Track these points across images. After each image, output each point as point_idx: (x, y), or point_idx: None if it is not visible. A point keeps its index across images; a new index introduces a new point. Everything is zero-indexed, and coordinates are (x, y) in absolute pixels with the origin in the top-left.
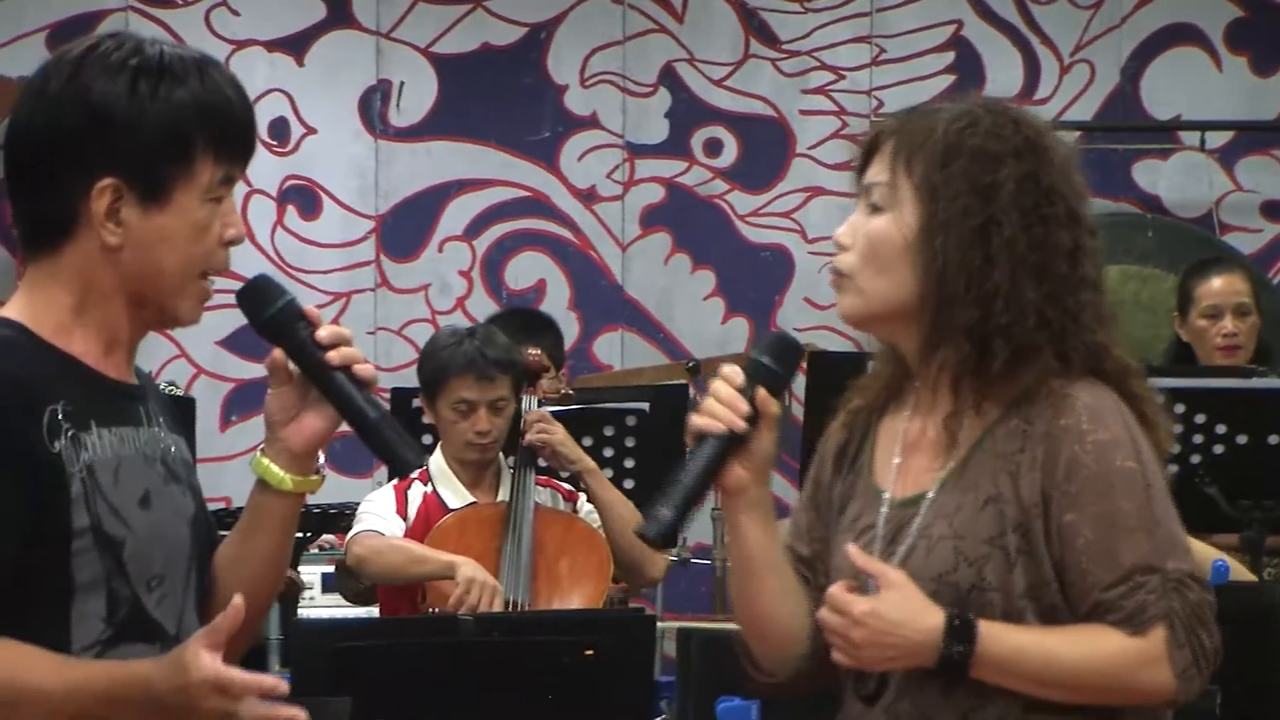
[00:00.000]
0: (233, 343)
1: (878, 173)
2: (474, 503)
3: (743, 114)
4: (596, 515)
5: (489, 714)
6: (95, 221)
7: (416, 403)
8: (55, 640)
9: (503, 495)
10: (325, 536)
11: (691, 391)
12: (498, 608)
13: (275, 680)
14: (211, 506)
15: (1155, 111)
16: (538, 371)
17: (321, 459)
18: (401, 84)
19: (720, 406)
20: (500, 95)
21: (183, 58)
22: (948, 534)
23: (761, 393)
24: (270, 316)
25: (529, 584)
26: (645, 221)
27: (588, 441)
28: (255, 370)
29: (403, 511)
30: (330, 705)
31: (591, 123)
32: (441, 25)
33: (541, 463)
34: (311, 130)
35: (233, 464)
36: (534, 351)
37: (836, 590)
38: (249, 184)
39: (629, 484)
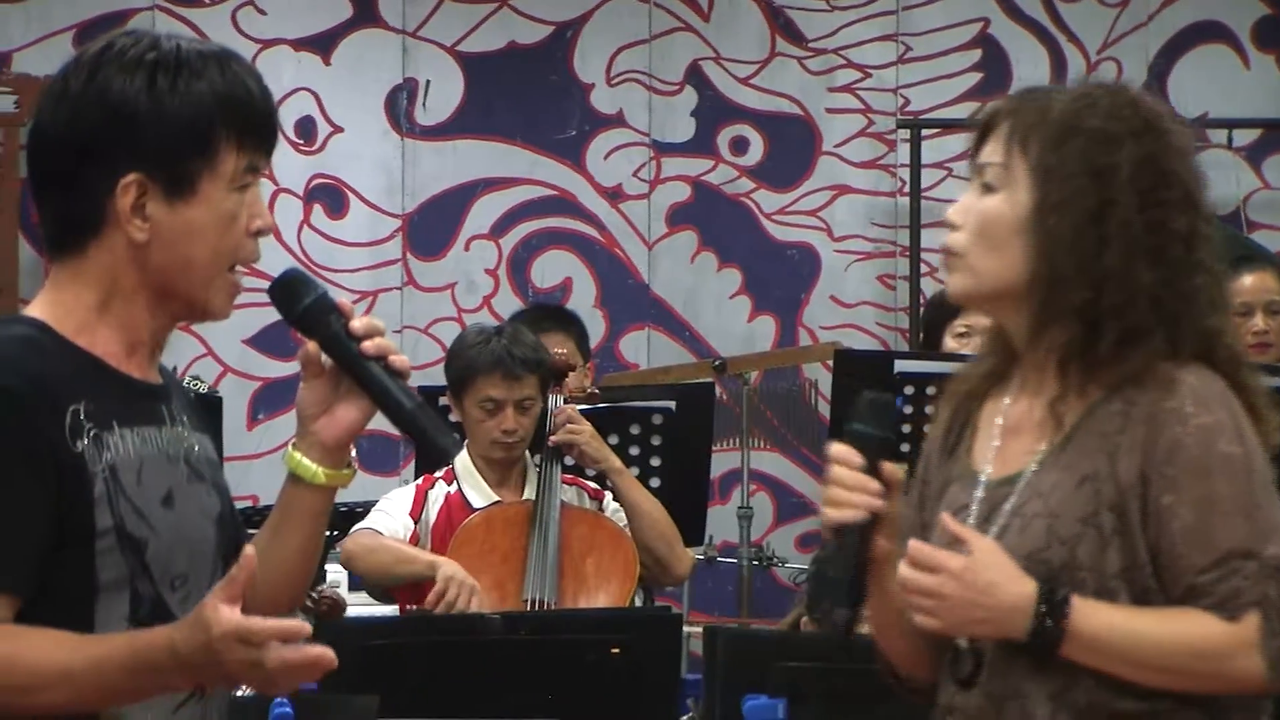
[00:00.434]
0: (260, 341)
1: (992, 153)
2: (498, 501)
3: (769, 112)
4: (623, 514)
5: (515, 712)
6: (122, 219)
7: (443, 401)
8: None
9: (528, 494)
10: None
11: (718, 390)
12: (475, 607)
13: (297, 624)
14: (239, 505)
15: (1182, 109)
16: (564, 370)
17: (353, 453)
18: (428, 83)
19: (853, 494)
20: (526, 94)
21: (200, 51)
22: (1042, 512)
23: (887, 467)
24: (304, 310)
25: (555, 583)
26: (671, 220)
27: (614, 440)
28: (282, 369)
29: (417, 512)
30: (357, 702)
31: (618, 121)
32: (468, 24)
33: (568, 461)
34: (338, 129)
35: (260, 462)
36: (560, 350)
37: (922, 545)
38: (275, 183)
39: (655, 482)
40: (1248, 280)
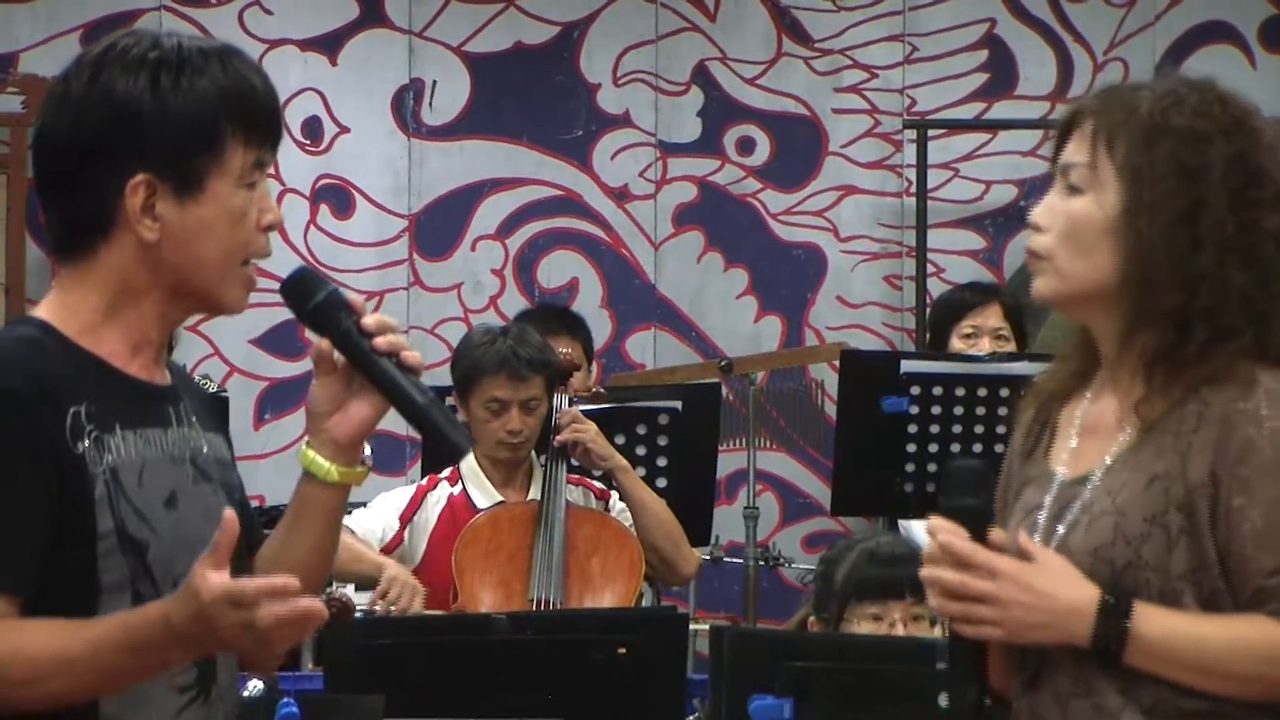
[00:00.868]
0: (267, 341)
1: (1076, 153)
2: (502, 501)
3: (775, 113)
4: (629, 514)
5: (521, 711)
6: (131, 219)
7: (449, 401)
8: None
9: (534, 494)
10: None
11: (724, 390)
12: (418, 608)
13: (285, 579)
14: None
15: None
16: (570, 371)
17: (367, 450)
18: (434, 83)
19: (962, 578)
20: (533, 94)
21: (202, 48)
22: (1110, 509)
23: (994, 535)
24: (314, 307)
25: (561, 582)
26: (678, 220)
27: (620, 440)
28: (289, 368)
29: (409, 514)
30: (364, 702)
31: (624, 121)
32: (474, 24)
33: (574, 461)
34: (344, 129)
35: (266, 462)
36: (566, 350)
37: (977, 549)
38: (282, 183)
39: (661, 482)
40: None
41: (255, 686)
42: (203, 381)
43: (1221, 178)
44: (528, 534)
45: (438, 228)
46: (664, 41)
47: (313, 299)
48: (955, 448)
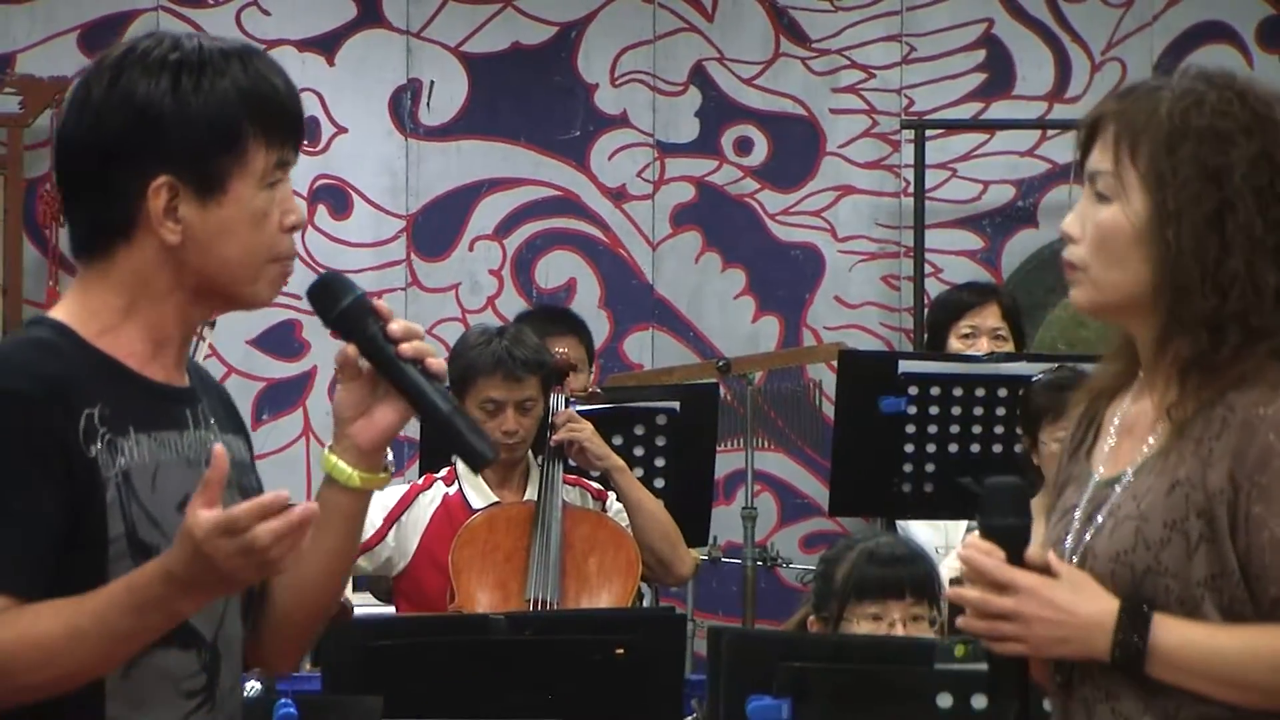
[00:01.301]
0: (264, 342)
1: (1100, 160)
2: (498, 502)
3: (773, 113)
4: (626, 514)
5: (520, 712)
6: (154, 222)
7: None
8: None
9: (530, 494)
10: None
11: (722, 391)
12: None
13: (274, 495)
14: None
15: None
16: (565, 371)
17: (390, 456)
18: (432, 83)
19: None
20: (530, 94)
21: (222, 49)
22: (1133, 514)
23: (1031, 554)
24: (341, 312)
25: (558, 582)
26: (676, 220)
27: (618, 440)
28: (286, 369)
29: (398, 512)
30: (362, 703)
31: (622, 122)
32: (472, 25)
33: (571, 462)
34: (342, 129)
35: (263, 463)
36: (562, 350)
37: (999, 565)
38: None
39: (659, 483)
40: None
41: (253, 688)
42: None
43: (1246, 177)
44: (524, 534)
45: (435, 228)
46: (661, 42)
47: (339, 304)
48: (953, 448)
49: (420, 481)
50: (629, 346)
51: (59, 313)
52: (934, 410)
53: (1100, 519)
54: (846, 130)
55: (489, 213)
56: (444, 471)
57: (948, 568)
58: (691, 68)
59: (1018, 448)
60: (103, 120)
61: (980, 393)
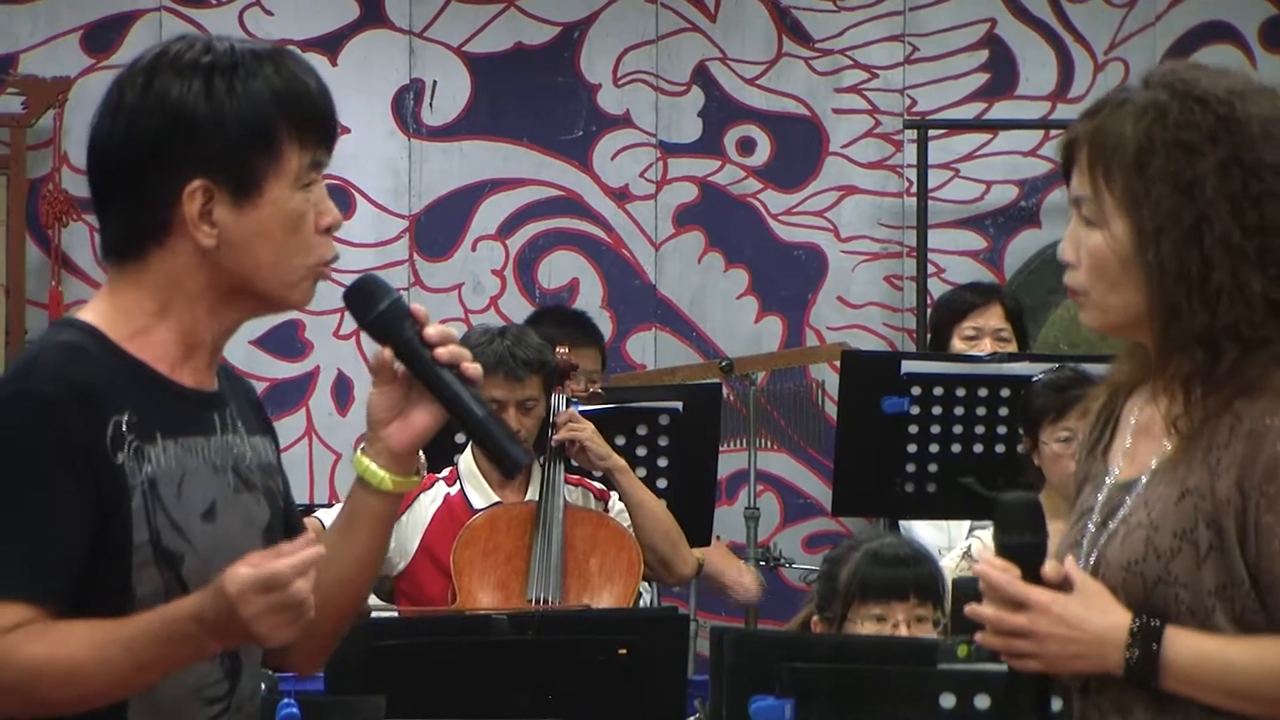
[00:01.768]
0: (267, 342)
1: (1080, 185)
2: (499, 502)
3: (775, 113)
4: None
5: (522, 712)
6: (189, 225)
7: None
8: None
9: (532, 494)
10: None
11: (725, 391)
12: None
13: (314, 551)
14: None
15: None
16: (567, 371)
17: (422, 459)
18: (434, 83)
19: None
20: (533, 95)
21: (254, 50)
22: (1144, 523)
23: (1048, 569)
24: (377, 315)
25: (559, 582)
26: (678, 220)
27: (620, 441)
28: (288, 369)
29: (399, 510)
30: (365, 703)
31: (624, 122)
32: (474, 25)
33: (573, 462)
34: (345, 130)
35: None
36: (563, 350)
37: (1011, 581)
38: None
39: (662, 483)
40: None
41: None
42: None
43: (1217, 186)
44: (526, 534)
45: (438, 228)
46: (664, 42)
47: (376, 307)
48: (956, 448)
49: (424, 481)
50: (632, 347)
51: (89, 314)
52: (937, 410)
53: (1113, 526)
54: (849, 130)
55: (492, 213)
56: (445, 471)
57: (946, 568)
58: (694, 68)
59: (1020, 448)
60: (136, 124)
61: (983, 393)
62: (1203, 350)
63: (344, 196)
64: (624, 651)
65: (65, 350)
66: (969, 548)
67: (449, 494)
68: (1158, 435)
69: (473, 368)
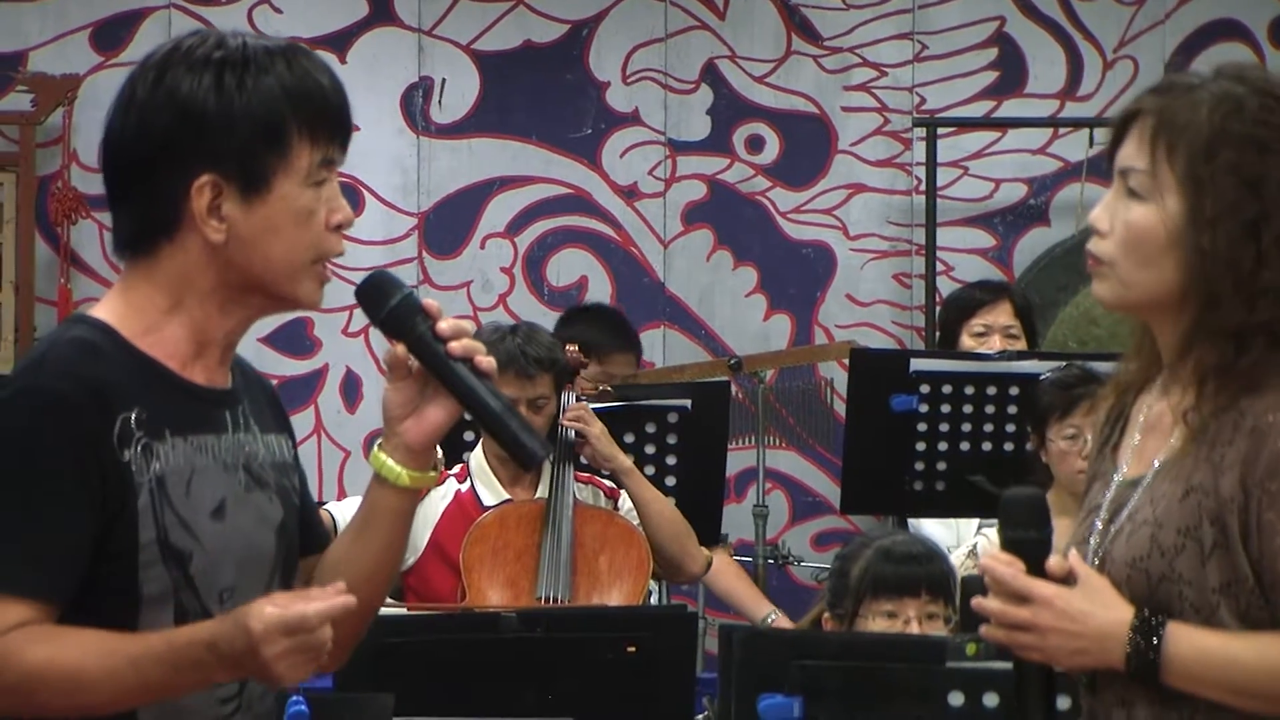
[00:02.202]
0: (276, 339)
1: (1134, 157)
2: (509, 500)
3: (784, 111)
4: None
5: (531, 710)
6: (198, 220)
7: None
8: None
9: (541, 492)
10: None
11: (733, 388)
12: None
13: (345, 600)
14: None
15: None
16: (577, 368)
17: (439, 454)
18: (443, 81)
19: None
20: (542, 92)
21: (266, 47)
22: (1149, 520)
23: (1052, 564)
24: (390, 311)
25: (569, 580)
26: (687, 218)
27: (629, 439)
28: (297, 366)
29: None
30: (373, 701)
31: (633, 119)
32: (483, 22)
33: (583, 460)
34: (354, 127)
35: None
36: (572, 348)
37: (1016, 574)
38: None
39: (671, 481)
40: None
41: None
42: None
43: None
44: (535, 532)
45: (447, 226)
46: (673, 40)
47: (388, 303)
48: (965, 446)
49: None
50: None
51: (101, 311)
52: (945, 408)
53: (1119, 523)
54: (858, 128)
55: (500, 210)
56: (457, 468)
57: (954, 565)
58: (703, 66)
59: (1029, 446)
60: (146, 119)
61: (992, 391)
62: (1233, 344)
63: (352, 194)
64: (632, 649)
65: (75, 346)
66: (975, 546)
67: (459, 490)
68: (1165, 431)
69: (486, 361)
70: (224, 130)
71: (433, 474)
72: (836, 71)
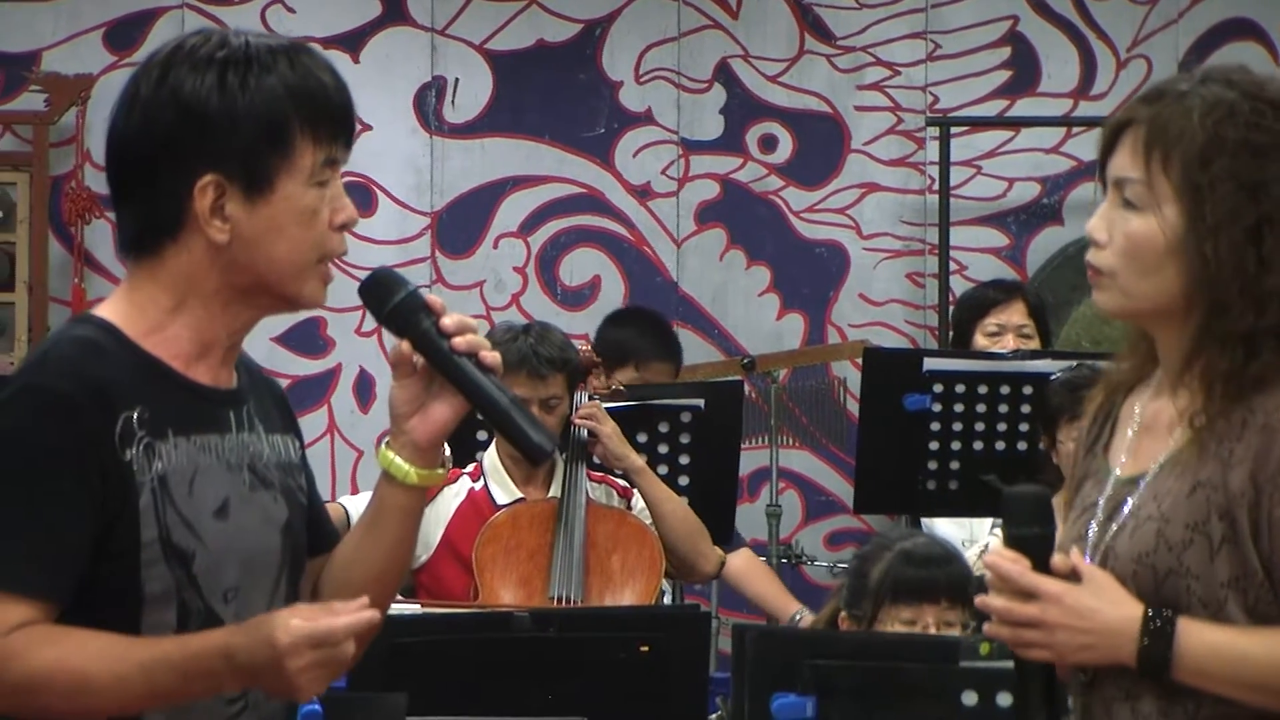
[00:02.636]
0: (289, 339)
1: (1128, 167)
2: (522, 499)
3: (797, 110)
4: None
5: (544, 709)
6: (201, 220)
7: None
8: None
9: (554, 492)
10: None
11: (746, 388)
12: None
13: (371, 614)
14: None
15: None
16: (590, 368)
17: (447, 451)
18: (456, 81)
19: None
20: (555, 92)
21: (269, 46)
22: (1154, 515)
23: (1056, 561)
24: (393, 308)
25: (581, 580)
26: (700, 218)
27: (642, 438)
28: (310, 366)
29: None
30: (386, 700)
31: (646, 119)
32: (496, 22)
33: (595, 459)
34: (367, 127)
35: None
36: (586, 348)
37: (1024, 571)
38: None
39: (684, 480)
40: None
41: None
42: None
43: None
44: (548, 531)
45: (460, 225)
46: (686, 39)
47: (391, 300)
48: (978, 446)
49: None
50: None
51: (105, 310)
52: (958, 408)
53: (1121, 519)
54: (871, 127)
55: (513, 210)
56: (470, 467)
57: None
58: (716, 65)
59: (1042, 445)
60: (150, 118)
61: (1005, 390)
62: (1242, 348)
63: (366, 194)
64: (645, 649)
65: (77, 345)
66: (987, 546)
67: (473, 489)
68: (1163, 431)
69: (491, 355)
70: (227, 130)
71: (441, 471)
72: (850, 71)
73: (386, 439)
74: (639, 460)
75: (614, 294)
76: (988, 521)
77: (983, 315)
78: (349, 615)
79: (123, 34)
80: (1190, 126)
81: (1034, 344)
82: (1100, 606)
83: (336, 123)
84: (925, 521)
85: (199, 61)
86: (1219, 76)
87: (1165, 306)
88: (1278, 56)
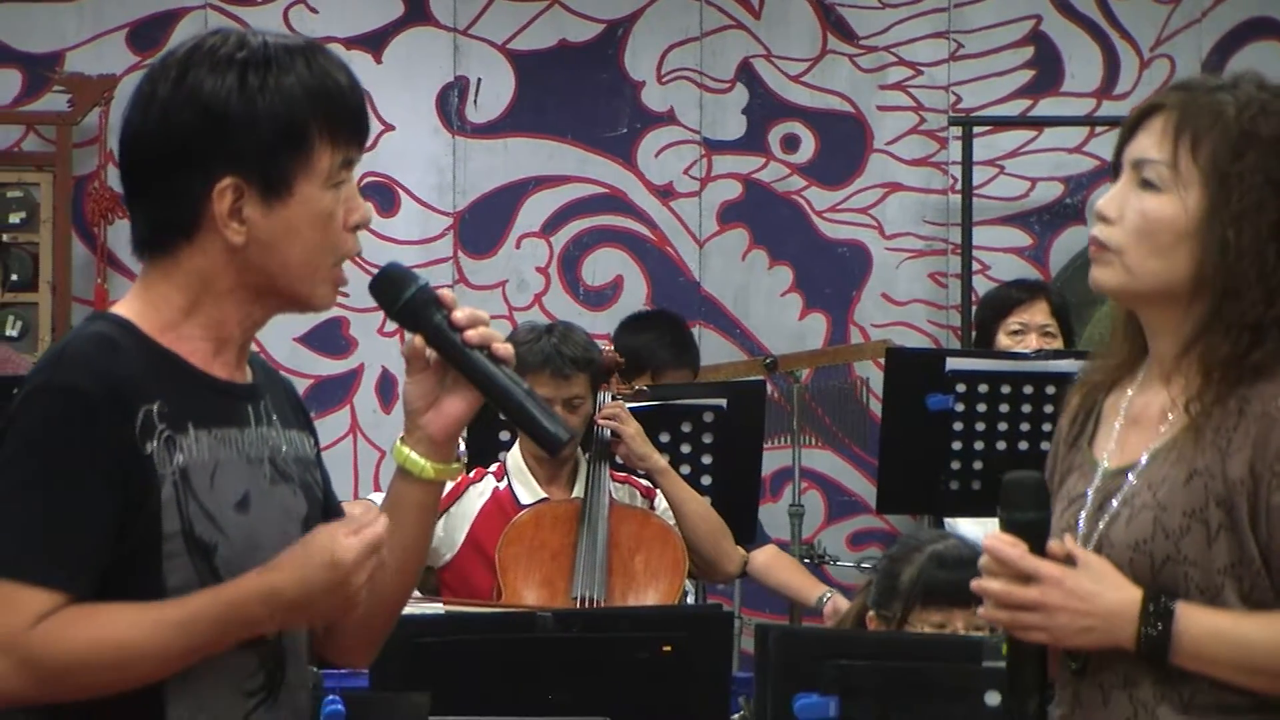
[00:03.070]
0: (311, 339)
1: (1154, 149)
2: (546, 499)
3: (820, 110)
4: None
5: (566, 709)
6: (218, 223)
7: None
8: None
9: (577, 492)
10: None
11: (769, 388)
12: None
13: (383, 517)
14: None
15: None
16: (613, 368)
17: (462, 446)
18: (479, 81)
19: (1018, 590)
20: (577, 92)
21: (287, 46)
22: (1150, 503)
23: (1053, 547)
24: (405, 303)
25: (604, 580)
26: (722, 218)
27: (665, 438)
28: (332, 366)
29: (448, 502)
30: (409, 700)
31: (668, 119)
32: (519, 22)
33: (618, 459)
34: (390, 127)
35: None
36: (609, 347)
37: (1024, 554)
38: None
39: (706, 480)
40: None
41: None
42: None
43: None
44: (571, 532)
45: (482, 225)
46: (708, 39)
47: (402, 296)
48: (1001, 445)
49: (471, 474)
50: None
51: (122, 308)
52: (981, 408)
53: (1114, 508)
54: (894, 127)
55: (536, 210)
56: (494, 466)
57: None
58: (738, 65)
59: None
60: (168, 118)
61: (1028, 390)
62: (1248, 335)
63: (388, 194)
64: (668, 649)
65: (94, 341)
66: None
67: (497, 488)
68: (1152, 424)
69: (504, 347)
70: (247, 132)
71: (456, 466)
72: (872, 70)
73: (401, 435)
74: (662, 460)
75: (636, 294)
76: None
77: (1005, 315)
78: (377, 524)
79: (146, 34)
80: (1225, 117)
81: (1057, 344)
82: (1100, 590)
83: (353, 124)
84: (947, 522)
85: (219, 62)
86: (1250, 79)
87: (1168, 289)
88: None
